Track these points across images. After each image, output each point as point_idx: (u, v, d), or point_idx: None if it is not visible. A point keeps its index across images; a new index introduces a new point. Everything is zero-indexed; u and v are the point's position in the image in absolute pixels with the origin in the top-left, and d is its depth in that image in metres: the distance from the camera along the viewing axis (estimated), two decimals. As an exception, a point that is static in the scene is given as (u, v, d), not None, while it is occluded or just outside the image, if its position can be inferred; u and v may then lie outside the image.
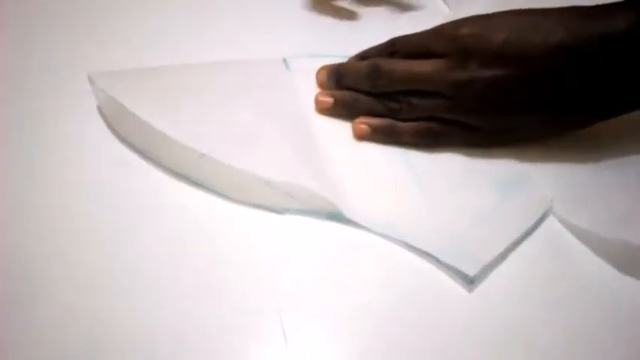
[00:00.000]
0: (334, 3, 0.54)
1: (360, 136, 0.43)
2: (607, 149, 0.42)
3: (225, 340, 0.34)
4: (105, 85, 0.42)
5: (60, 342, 0.33)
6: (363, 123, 0.43)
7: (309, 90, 0.45)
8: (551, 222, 0.39)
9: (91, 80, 0.42)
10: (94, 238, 0.37)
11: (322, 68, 0.46)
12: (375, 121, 0.43)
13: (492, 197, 0.40)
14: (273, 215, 0.39)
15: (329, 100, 0.44)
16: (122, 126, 0.42)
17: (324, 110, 0.44)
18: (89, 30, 0.50)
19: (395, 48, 0.44)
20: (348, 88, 0.44)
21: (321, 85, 0.45)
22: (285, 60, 0.47)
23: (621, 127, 0.42)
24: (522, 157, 0.42)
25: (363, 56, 0.46)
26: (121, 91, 0.41)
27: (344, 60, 0.46)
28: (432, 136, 0.42)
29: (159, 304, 0.35)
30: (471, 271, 0.36)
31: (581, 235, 0.38)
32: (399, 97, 0.43)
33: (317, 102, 0.44)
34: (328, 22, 0.52)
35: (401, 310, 0.35)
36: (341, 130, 0.43)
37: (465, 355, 0.34)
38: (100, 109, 0.43)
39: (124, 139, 0.42)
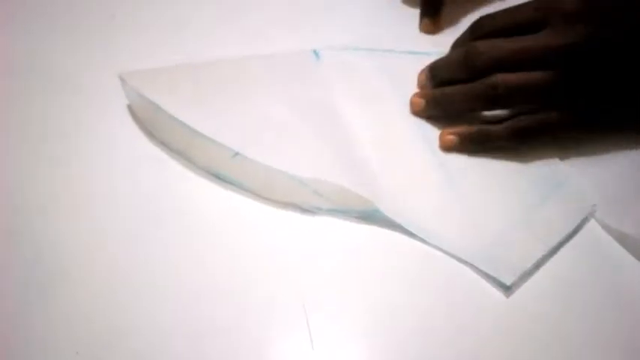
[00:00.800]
0: None
1: (448, 148, 0.41)
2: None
3: (251, 343, 0.34)
4: (136, 84, 0.41)
5: (79, 340, 0.33)
6: (451, 133, 0.41)
7: (342, 83, 0.44)
8: (593, 226, 0.38)
9: (121, 79, 0.42)
10: (125, 236, 0.37)
11: (422, 70, 0.44)
12: (464, 129, 0.41)
13: (531, 200, 0.39)
14: (305, 216, 0.39)
15: (420, 101, 0.43)
16: (154, 125, 0.42)
17: (418, 113, 0.43)
18: (110, 25, 0.50)
19: (482, 29, 0.42)
20: (445, 84, 0.42)
21: (420, 87, 0.44)
22: (315, 52, 0.46)
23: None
24: (563, 158, 0.41)
25: (454, 48, 0.44)
26: (152, 90, 0.41)
27: (377, 52, 0.45)
28: (526, 133, 0.40)
29: (183, 305, 0.35)
30: (508, 280, 0.35)
31: (626, 242, 0.37)
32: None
33: (410, 104, 0.43)
34: (361, 15, 0.51)
35: (437, 315, 0.35)
36: (374, 127, 0.42)
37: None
38: (130, 108, 0.43)
39: (155, 138, 0.42)
